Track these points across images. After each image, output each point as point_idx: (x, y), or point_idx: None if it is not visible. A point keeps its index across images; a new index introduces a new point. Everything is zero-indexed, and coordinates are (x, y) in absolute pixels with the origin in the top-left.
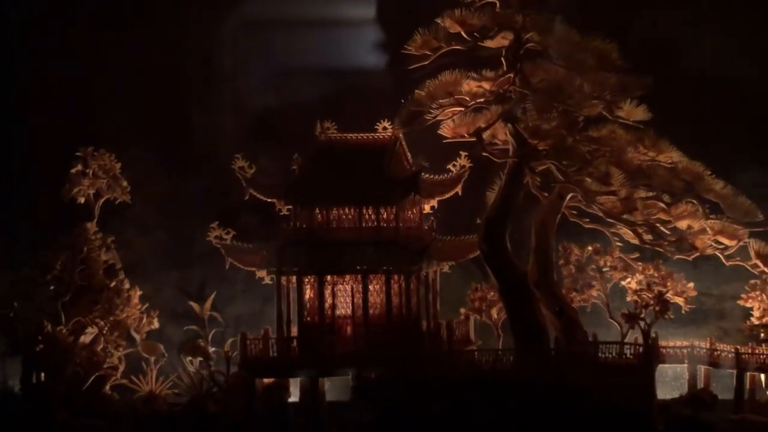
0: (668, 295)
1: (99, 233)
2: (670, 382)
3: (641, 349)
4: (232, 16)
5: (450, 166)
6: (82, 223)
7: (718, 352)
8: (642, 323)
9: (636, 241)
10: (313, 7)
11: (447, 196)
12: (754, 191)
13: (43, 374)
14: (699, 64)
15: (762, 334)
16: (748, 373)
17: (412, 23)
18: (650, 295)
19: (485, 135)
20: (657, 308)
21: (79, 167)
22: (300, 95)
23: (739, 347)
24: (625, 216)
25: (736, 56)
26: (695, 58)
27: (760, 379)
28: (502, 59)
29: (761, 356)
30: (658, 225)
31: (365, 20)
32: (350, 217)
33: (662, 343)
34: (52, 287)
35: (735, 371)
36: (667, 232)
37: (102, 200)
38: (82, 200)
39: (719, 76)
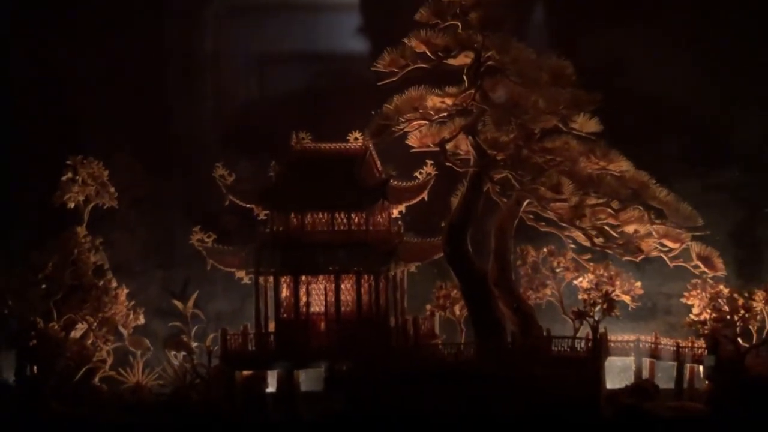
0: (615, 293)
1: (88, 236)
2: (619, 373)
3: (590, 344)
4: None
5: (417, 174)
6: (72, 227)
7: (661, 346)
8: (591, 320)
9: (588, 244)
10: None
11: (414, 201)
12: (695, 199)
13: (36, 367)
14: (646, 83)
15: (700, 330)
16: (688, 365)
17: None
18: (598, 294)
19: (449, 146)
20: (604, 306)
21: (70, 175)
22: (277, 108)
23: (680, 341)
24: (576, 221)
25: (679, 76)
26: (643, 77)
27: (698, 370)
28: (464, 76)
29: (698, 350)
30: (607, 229)
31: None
32: (323, 221)
33: (611, 337)
34: (43, 286)
35: (676, 363)
36: (616, 235)
37: (91, 205)
38: (72, 205)
39: (665, 95)
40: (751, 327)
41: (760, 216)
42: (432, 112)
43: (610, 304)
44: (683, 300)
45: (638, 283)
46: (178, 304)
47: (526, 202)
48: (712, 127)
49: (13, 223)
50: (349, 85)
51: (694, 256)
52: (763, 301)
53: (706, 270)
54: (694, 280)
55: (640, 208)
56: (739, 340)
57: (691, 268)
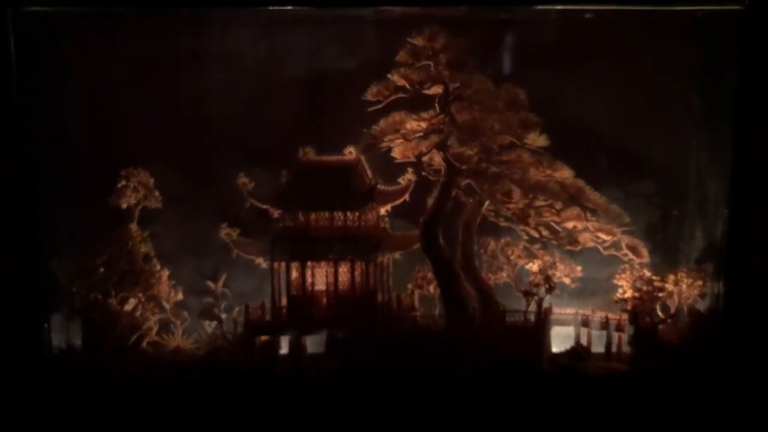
0: (556, 276)
1: (138, 231)
2: (565, 340)
3: (536, 317)
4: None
5: (400, 180)
6: (126, 224)
7: (592, 318)
8: (536, 297)
9: (537, 236)
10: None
11: (398, 202)
12: (620, 203)
13: (97, 334)
14: (582, 109)
15: (624, 306)
16: (616, 334)
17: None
18: (541, 277)
19: (425, 159)
20: (546, 286)
21: (124, 182)
22: (288, 125)
23: (609, 314)
24: (524, 219)
25: (608, 105)
26: (580, 104)
27: (624, 338)
28: (436, 104)
29: (623, 321)
30: (552, 224)
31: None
32: (324, 218)
33: (557, 310)
34: (102, 270)
35: (605, 332)
36: (559, 230)
37: (140, 207)
38: (125, 206)
39: (597, 119)
40: (669, 304)
41: (669, 217)
42: (410, 133)
43: (550, 284)
44: (614, 281)
45: (579, 268)
46: (210, 284)
47: (486, 203)
48: (632, 147)
49: (77, 222)
50: (349, 104)
51: (623, 246)
52: (673, 284)
53: (634, 257)
54: (623, 266)
55: (578, 208)
56: (660, 314)
57: (621, 256)
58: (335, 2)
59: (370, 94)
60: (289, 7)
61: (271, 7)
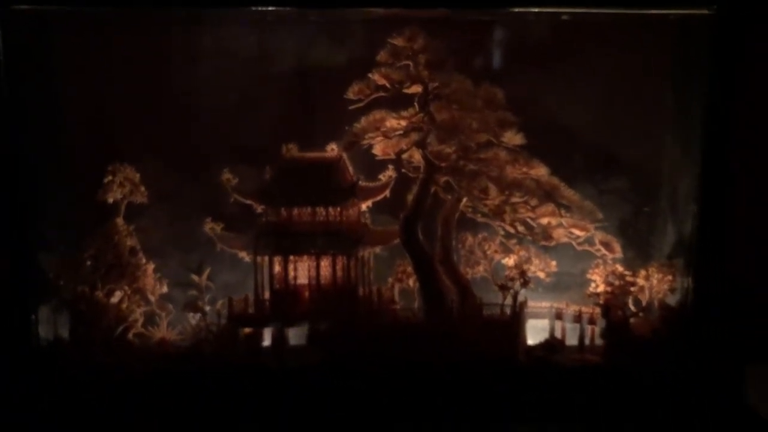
0: (531, 270)
1: (125, 225)
2: (540, 332)
3: (512, 310)
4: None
5: (380, 176)
6: (113, 219)
7: (566, 311)
8: (512, 291)
9: (513, 231)
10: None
11: (378, 198)
12: (593, 200)
13: (83, 326)
14: (558, 109)
15: (596, 300)
16: (589, 327)
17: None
18: (516, 271)
19: (404, 156)
20: (521, 281)
21: (110, 177)
22: (272, 121)
23: (582, 308)
24: (500, 215)
25: (583, 106)
26: (556, 104)
27: (597, 330)
28: (416, 103)
29: (594, 314)
30: (528, 220)
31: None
32: (307, 214)
33: (532, 304)
34: (89, 263)
35: (579, 325)
36: (535, 225)
37: (126, 201)
38: (111, 201)
39: (572, 120)
40: (640, 298)
41: (641, 214)
42: (390, 131)
43: (525, 279)
44: (588, 276)
45: (553, 263)
46: (194, 277)
47: (464, 199)
48: (605, 145)
49: (65, 216)
50: (332, 100)
51: (596, 241)
52: (644, 278)
53: (607, 253)
54: (596, 261)
55: (553, 205)
56: (632, 308)
57: (594, 252)
58: (318, 4)
59: (351, 93)
60: (271, 8)
61: (254, 8)
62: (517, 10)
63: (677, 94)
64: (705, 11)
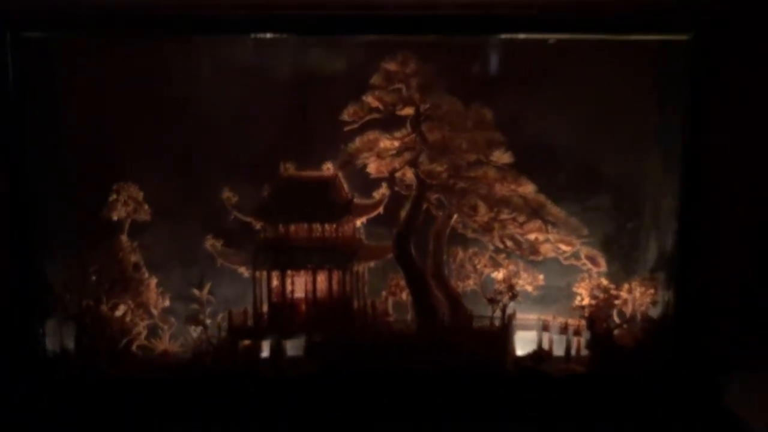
0: (519, 284)
1: (128, 242)
2: (528, 343)
3: (501, 322)
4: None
5: (374, 194)
6: (117, 235)
7: (554, 323)
8: (501, 304)
9: (502, 246)
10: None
11: (373, 215)
12: (578, 216)
13: (89, 338)
14: (544, 129)
15: (582, 312)
16: (575, 338)
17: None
18: (505, 285)
19: (397, 174)
20: (509, 294)
21: (115, 196)
22: (270, 140)
23: (568, 320)
24: (489, 231)
25: (568, 126)
26: (542, 124)
27: (582, 341)
28: (408, 124)
29: (579, 326)
30: (516, 236)
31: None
32: (303, 230)
33: (521, 316)
34: (94, 278)
35: (565, 336)
36: (523, 241)
37: (130, 219)
38: (116, 218)
39: (558, 139)
40: (624, 310)
41: (624, 230)
42: (384, 150)
43: (513, 292)
44: (574, 289)
45: (541, 276)
46: (195, 291)
47: (455, 217)
48: (590, 164)
49: (71, 233)
50: (327, 121)
51: (582, 256)
52: (627, 292)
53: (592, 267)
54: (582, 275)
55: (540, 221)
56: (616, 319)
57: (580, 266)
58: (316, 31)
59: (346, 115)
60: (269, 35)
61: (254, 35)
62: (503, 36)
63: (659, 115)
64: (683, 37)
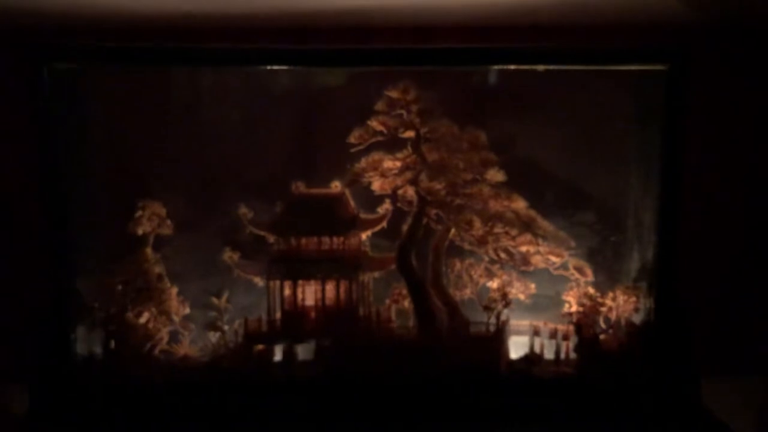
0: (512, 293)
1: (153, 254)
2: (520, 347)
3: (495, 328)
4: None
5: (378, 209)
6: (142, 248)
7: (545, 328)
8: (495, 311)
9: (496, 258)
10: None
11: (377, 229)
12: (566, 230)
13: (115, 343)
14: (534, 149)
15: (570, 319)
16: (565, 342)
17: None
18: (499, 294)
19: (399, 192)
20: (503, 302)
21: (141, 212)
22: (282, 160)
23: (558, 326)
24: (483, 245)
25: (556, 147)
26: (532, 145)
27: (571, 346)
28: (409, 146)
29: (568, 332)
30: (509, 248)
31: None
32: (313, 243)
33: (514, 322)
34: (120, 287)
35: (555, 341)
36: (515, 253)
37: (154, 233)
38: (141, 233)
39: (546, 158)
40: (609, 317)
41: (609, 243)
42: (387, 170)
43: (507, 300)
44: (563, 298)
45: (533, 285)
46: (214, 300)
47: (452, 230)
48: (576, 183)
49: (100, 247)
50: (335, 145)
51: (570, 267)
52: (612, 299)
53: (580, 277)
54: (570, 284)
55: (531, 234)
56: (602, 325)
57: (569, 276)
58: (325, 63)
59: (353, 138)
60: (285, 67)
61: (268, 67)
62: (496, 67)
63: (640, 137)
64: (662, 67)
